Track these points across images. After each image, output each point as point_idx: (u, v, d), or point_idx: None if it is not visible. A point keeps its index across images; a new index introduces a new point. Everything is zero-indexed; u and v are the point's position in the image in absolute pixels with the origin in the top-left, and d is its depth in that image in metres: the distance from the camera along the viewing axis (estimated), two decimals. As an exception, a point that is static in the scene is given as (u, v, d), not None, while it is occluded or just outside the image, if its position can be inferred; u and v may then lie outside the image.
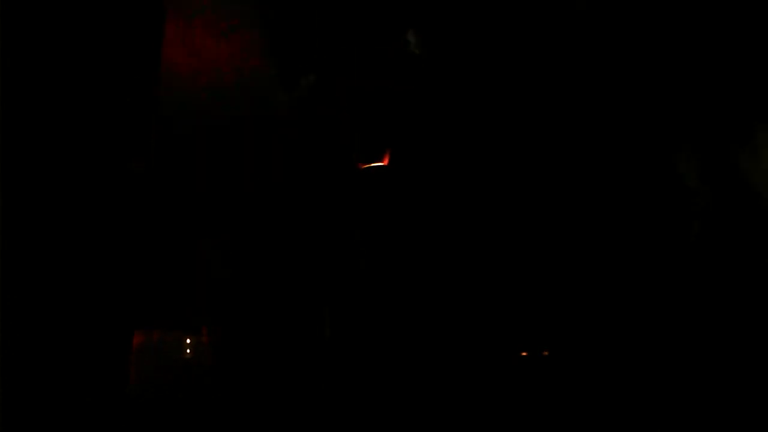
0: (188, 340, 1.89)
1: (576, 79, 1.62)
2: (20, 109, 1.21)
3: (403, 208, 1.74)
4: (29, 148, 1.22)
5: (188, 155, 1.98)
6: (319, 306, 2.01)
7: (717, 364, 1.58)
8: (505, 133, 1.70)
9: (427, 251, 1.82)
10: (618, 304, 1.58)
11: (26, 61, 1.21)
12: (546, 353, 1.78)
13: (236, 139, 1.94)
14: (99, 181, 1.30)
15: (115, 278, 1.38)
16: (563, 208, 1.78)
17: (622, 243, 1.66)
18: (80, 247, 1.30)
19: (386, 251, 1.78)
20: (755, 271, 1.45)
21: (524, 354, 1.85)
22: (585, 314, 1.74)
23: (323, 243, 1.95)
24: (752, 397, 1.48)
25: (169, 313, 1.88)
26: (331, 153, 1.80)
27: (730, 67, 1.37)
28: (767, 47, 1.35)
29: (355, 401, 1.93)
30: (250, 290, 1.96)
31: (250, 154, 1.96)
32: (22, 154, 1.20)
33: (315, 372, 1.96)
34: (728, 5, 1.45)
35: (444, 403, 1.87)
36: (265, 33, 1.60)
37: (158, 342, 1.81)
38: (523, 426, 1.80)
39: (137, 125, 1.43)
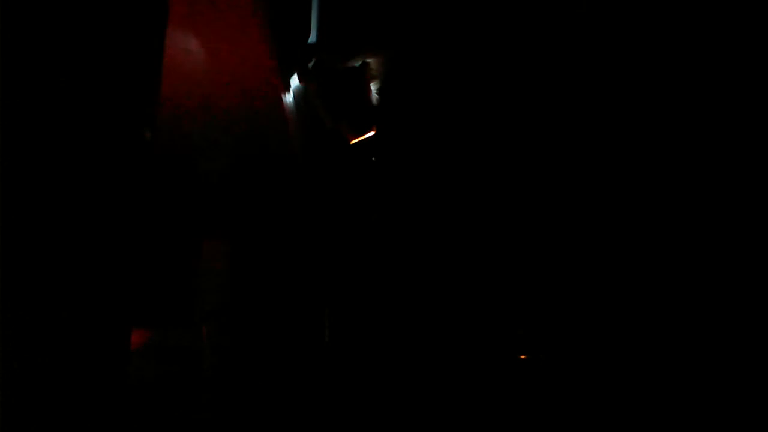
0: (187, 340, 1.89)
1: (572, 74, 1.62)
2: (20, 107, 1.21)
3: (402, 205, 1.74)
4: (28, 144, 1.22)
5: (189, 154, 1.99)
6: (319, 309, 2.02)
7: (716, 365, 1.58)
8: (501, 128, 1.70)
9: (429, 250, 1.82)
10: (615, 305, 1.57)
11: (27, 59, 1.21)
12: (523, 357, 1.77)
13: (237, 137, 1.94)
14: (98, 178, 1.30)
15: (114, 275, 1.38)
16: (562, 204, 1.78)
17: (619, 242, 1.66)
18: (78, 243, 1.30)
19: (387, 249, 1.78)
20: (752, 272, 1.45)
21: (523, 357, 1.84)
22: (582, 316, 1.74)
23: (323, 241, 1.95)
24: (752, 397, 1.47)
25: (169, 312, 1.88)
26: (329, 145, 1.81)
27: (727, 68, 1.37)
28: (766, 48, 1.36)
29: (354, 404, 1.92)
30: (250, 290, 1.96)
31: (249, 152, 1.96)
32: (22, 150, 1.20)
33: (314, 375, 1.96)
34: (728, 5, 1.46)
35: (444, 407, 1.86)
36: (267, 31, 1.60)
37: (156, 341, 1.81)
38: (523, 428, 1.80)
39: (138, 123, 1.43)
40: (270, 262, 1.96)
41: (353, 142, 1.41)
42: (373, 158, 1.57)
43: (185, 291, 1.91)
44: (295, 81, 1.85)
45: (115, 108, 1.36)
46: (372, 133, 1.40)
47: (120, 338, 1.46)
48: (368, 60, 1.51)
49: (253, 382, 1.93)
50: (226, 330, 1.94)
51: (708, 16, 1.55)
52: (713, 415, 1.63)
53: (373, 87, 1.35)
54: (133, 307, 1.48)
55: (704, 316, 1.65)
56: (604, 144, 1.69)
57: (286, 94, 1.83)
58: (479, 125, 1.74)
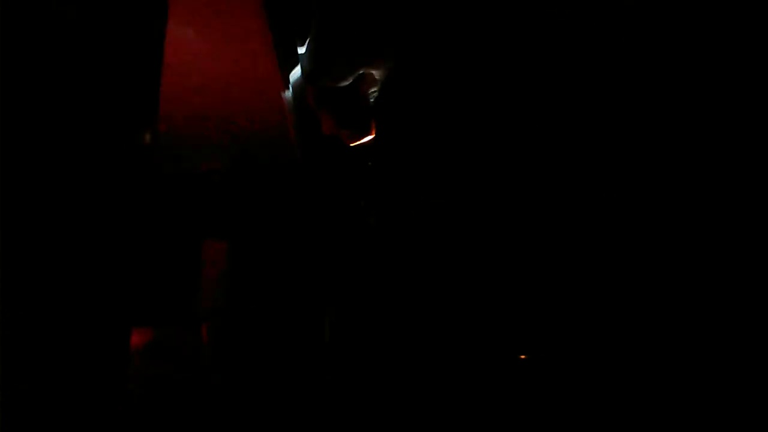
0: (187, 340, 1.89)
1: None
2: (18, 108, 1.21)
3: (402, 203, 1.74)
4: (28, 145, 1.22)
5: (188, 153, 1.99)
6: (319, 309, 2.02)
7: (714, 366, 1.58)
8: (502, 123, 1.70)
9: (428, 250, 1.82)
10: (615, 305, 1.57)
11: (25, 60, 1.21)
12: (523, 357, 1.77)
13: (236, 137, 1.95)
14: (98, 179, 1.30)
15: (114, 275, 1.38)
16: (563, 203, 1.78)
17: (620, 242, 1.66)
18: (78, 243, 1.30)
19: (386, 249, 1.78)
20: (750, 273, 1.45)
21: (523, 357, 1.84)
22: (582, 316, 1.74)
23: (324, 241, 1.95)
24: (752, 397, 1.47)
25: (168, 312, 1.88)
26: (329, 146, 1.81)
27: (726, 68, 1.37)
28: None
29: (354, 404, 1.92)
30: (250, 290, 1.96)
31: (249, 151, 1.96)
32: (21, 151, 1.20)
33: (314, 375, 1.96)
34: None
35: (445, 407, 1.86)
36: (267, 30, 1.60)
37: (156, 341, 1.81)
38: (523, 428, 1.80)
39: (138, 124, 1.43)
40: (270, 261, 1.96)
41: (352, 146, 1.42)
42: (370, 163, 1.57)
43: (185, 290, 1.91)
44: (294, 78, 1.85)
45: (115, 109, 1.36)
46: (371, 137, 1.40)
47: (120, 338, 1.46)
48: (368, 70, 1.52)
49: (253, 381, 1.93)
50: (226, 330, 1.94)
51: (708, 16, 1.55)
52: (713, 415, 1.63)
53: (372, 92, 1.36)
54: (133, 307, 1.48)
55: (704, 316, 1.65)
56: (604, 147, 1.69)
57: (286, 93, 1.83)
58: (478, 128, 1.75)
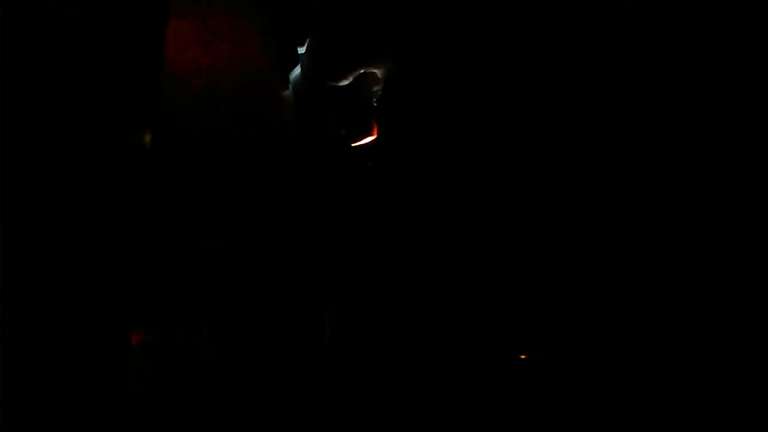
0: (187, 340, 1.89)
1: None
2: (20, 103, 1.21)
3: (403, 204, 1.74)
4: (28, 143, 1.22)
5: (188, 154, 1.99)
6: (319, 309, 2.02)
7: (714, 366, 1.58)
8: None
9: (428, 251, 1.82)
10: (615, 305, 1.57)
11: (27, 56, 1.21)
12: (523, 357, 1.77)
13: (236, 137, 1.95)
14: (99, 177, 1.30)
15: (114, 275, 1.38)
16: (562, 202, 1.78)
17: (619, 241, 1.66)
18: (79, 243, 1.30)
19: (387, 250, 1.78)
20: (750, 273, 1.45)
21: (523, 357, 1.84)
22: (582, 316, 1.74)
23: (324, 241, 1.96)
24: (752, 397, 1.47)
25: (168, 312, 1.88)
26: (326, 144, 1.81)
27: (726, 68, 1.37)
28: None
29: (354, 404, 1.92)
30: (251, 290, 1.96)
31: (250, 153, 1.96)
32: (22, 149, 1.20)
33: (314, 375, 1.96)
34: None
35: (445, 407, 1.86)
36: (267, 30, 1.61)
37: (156, 341, 1.81)
38: (523, 428, 1.80)
39: (138, 121, 1.43)
40: (271, 261, 1.96)
41: (353, 146, 1.42)
42: (370, 163, 1.57)
43: (185, 290, 1.91)
44: (294, 78, 1.85)
45: (115, 109, 1.36)
46: (372, 138, 1.41)
47: (120, 338, 1.47)
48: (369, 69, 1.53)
49: (253, 381, 1.93)
50: (226, 330, 1.94)
51: (708, 16, 1.55)
52: (713, 415, 1.63)
53: (374, 92, 1.37)
54: (133, 307, 1.48)
55: (704, 316, 1.65)
56: (603, 147, 1.69)
57: (286, 93, 1.83)
58: (479, 129, 1.75)
